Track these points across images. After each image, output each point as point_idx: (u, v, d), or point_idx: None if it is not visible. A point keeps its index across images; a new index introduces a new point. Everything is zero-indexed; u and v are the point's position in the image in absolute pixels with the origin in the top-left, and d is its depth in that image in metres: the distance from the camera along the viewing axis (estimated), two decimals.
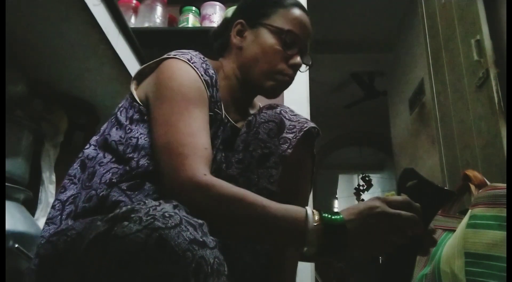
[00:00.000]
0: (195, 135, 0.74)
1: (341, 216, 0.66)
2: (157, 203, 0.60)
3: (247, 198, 0.67)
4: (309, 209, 0.67)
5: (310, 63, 0.99)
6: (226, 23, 1.01)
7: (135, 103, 0.84)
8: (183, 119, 0.75)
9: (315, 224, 0.65)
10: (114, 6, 1.29)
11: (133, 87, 0.88)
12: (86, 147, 0.86)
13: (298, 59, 0.93)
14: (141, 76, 0.89)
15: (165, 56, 0.86)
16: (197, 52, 0.89)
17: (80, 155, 0.85)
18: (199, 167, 0.69)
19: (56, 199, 0.80)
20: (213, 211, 0.66)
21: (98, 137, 0.86)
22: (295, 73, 0.95)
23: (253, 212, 0.66)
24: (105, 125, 0.87)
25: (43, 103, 1.48)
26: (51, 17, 1.17)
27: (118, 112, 0.86)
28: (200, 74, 0.82)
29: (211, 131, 0.83)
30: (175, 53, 0.85)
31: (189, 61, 0.83)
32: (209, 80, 0.84)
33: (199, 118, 0.77)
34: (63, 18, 1.17)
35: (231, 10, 1.92)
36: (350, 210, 0.68)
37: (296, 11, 0.95)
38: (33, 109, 1.43)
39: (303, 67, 0.98)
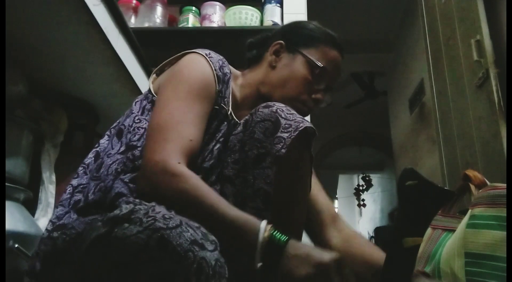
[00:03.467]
0: (185, 124, 0.76)
1: (285, 238, 0.65)
2: (153, 204, 0.61)
3: (208, 199, 0.68)
4: (264, 224, 0.66)
5: (330, 102, 1.02)
6: (266, 38, 1.04)
7: (149, 94, 0.88)
8: (179, 107, 0.78)
9: (263, 240, 0.64)
10: (114, 6, 1.29)
11: (151, 80, 0.92)
12: (103, 137, 0.90)
13: (321, 95, 0.97)
14: (160, 71, 0.93)
15: (186, 51, 0.90)
16: (219, 54, 0.93)
17: (96, 146, 0.88)
18: (176, 155, 0.71)
19: (69, 183, 0.83)
20: (173, 200, 0.67)
21: (112, 128, 0.90)
22: (315, 108, 0.98)
23: (210, 215, 0.67)
24: (121, 117, 0.91)
25: (43, 103, 1.48)
26: (51, 17, 1.17)
27: (134, 104, 0.89)
28: (213, 69, 0.86)
29: (214, 124, 0.85)
30: (196, 49, 0.89)
31: (207, 56, 0.87)
32: (221, 76, 0.88)
33: (196, 111, 0.80)
34: (63, 18, 1.17)
35: (231, 10, 1.92)
36: (297, 246, 0.65)
37: (335, 53, 1.00)
38: (33, 109, 1.43)
39: (323, 104, 1.01)
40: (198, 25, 1.95)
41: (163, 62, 0.94)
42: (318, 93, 0.97)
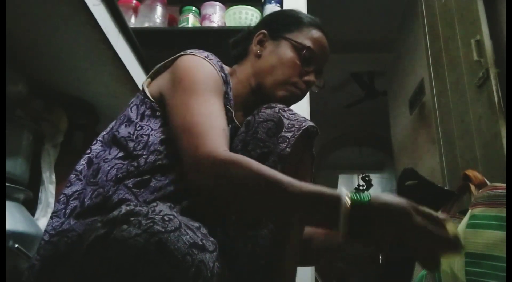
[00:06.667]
0: (212, 116, 0.76)
1: (368, 198, 0.64)
2: (154, 204, 0.61)
3: (272, 176, 0.66)
4: (343, 194, 0.64)
5: (322, 85, 1.02)
6: (248, 33, 1.04)
7: (146, 99, 0.86)
8: (200, 103, 0.77)
9: (347, 208, 0.63)
10: (114, 6, 1.29)
11: (145, 84, 0.90)
12: (93, 143, 0.88)
13: (312, 77, 0.96)
14: (155, 74, 0.92)
15: (181, 53, 0.89)
16: (214, 55, 0.92)
17: (87, 151, 0.86)
18: (219, 144, 0.70)
19: (61, 193, 0.81)
20: (237, 188, 0.66)
21: (105, 133, 0.88)
22: (307, 90, 0.98)
23: (283, 192, 0.65)
24: (113, 123, 0.89)
25: (43, 103, 1.48)
26: (51, 17, 1.17)
27: (129, 109, 0.88)
28: (217, 70, 0.86)
29: None
30: (192, 51, 0.88)
31: (206, 58, 0.87)
32: (224, 78, 0.88)
33: (217, 104, 0.80)
34: (63, 18, 1.17)
35: (231, 10, 1.92)
36: (380, 200, 0.64)
37: (318, 32, 0.99)
38: (33, 109, 1.43)
39: (315, 87, 1.01)
40: (198, 25, 1.95)
41: (158, 65, 0.92)
42: (309, 75, 0.96)
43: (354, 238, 0.63)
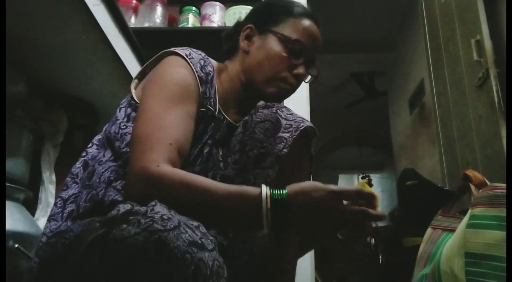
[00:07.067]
0: (164, 129, 0.75)
1: (285, 192, 0.68)
2: (153, 203, 0.61)
3: (198, 185, 0.68)
4: (263, 190, 0.67)
5: (316, 74, 0.98)
6: (237, 26, 1.01)
7: (132, 101, 0.86)
8: (158, 113, 0.77)
9: (268, 205, 0.66)
10: (114, 6, 1.29)
11: (133, 85, 0.90)
12: (89, 146, 0.88)
13: (302, 69, 0.93)
14: (142, 75, 0.91)
15: (164, 51, 0.88)
16: (201, 51, 0.90)
17: (83, 154, 0.86)
18: (156, 159, 0.70)
19: (58, 196, 0.81)
20: (167, 200, 0.66)
21: (100, 136, 0.88)
22: (298, 83, 0.95)
23: (204, 198, 0.68)
24: (107, 125, 0.89)
25: (43, 103, 1.48)
26: (51, 17, 1.17)
27: (118, 110, 0.88)
28: (194, 70, 0.84)
29: (200, 126, 0.84)
30: (175, 48, 0.87)
31: (187, 57, 0.85)
32: (203, 77, 0.86)
33: (177, 114, 0.78)
34: (63, 18, 1.17)
35: (231, 10, 1.92)
36: (297, 190, 0.68)
37: (306, 22, 0.95)
38: (33, 109, 1.43)
39: (308, 77, 0.98)
40: (198, 25, 1.95)
41: (143, 65, 0.91)
42: (298, 68, 0.92)
43: (279, 233, 0.67)
